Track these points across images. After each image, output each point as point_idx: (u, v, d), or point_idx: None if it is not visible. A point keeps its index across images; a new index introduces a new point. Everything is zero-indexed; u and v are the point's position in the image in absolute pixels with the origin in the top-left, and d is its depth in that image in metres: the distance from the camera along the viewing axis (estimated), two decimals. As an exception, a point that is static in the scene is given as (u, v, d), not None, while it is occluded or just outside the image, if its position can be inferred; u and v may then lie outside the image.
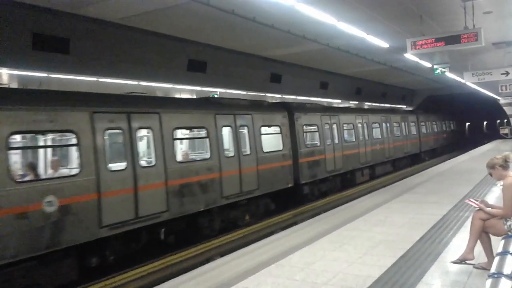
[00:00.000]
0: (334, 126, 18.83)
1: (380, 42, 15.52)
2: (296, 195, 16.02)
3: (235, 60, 18.32)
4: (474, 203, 6.58)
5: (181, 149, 12.33)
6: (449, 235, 8.37)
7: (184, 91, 18.98)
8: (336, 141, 18.66)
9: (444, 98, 40.50)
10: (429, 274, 6.37)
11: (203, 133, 12.15)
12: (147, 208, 9.71)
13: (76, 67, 13.18)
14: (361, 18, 12.72)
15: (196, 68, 16.87)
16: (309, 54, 19.04)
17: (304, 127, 16.58)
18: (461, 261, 6.60)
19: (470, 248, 6.54)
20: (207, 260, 9.63)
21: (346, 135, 20.24)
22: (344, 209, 11.98)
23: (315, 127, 17.56)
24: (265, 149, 13.92)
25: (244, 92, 21.06)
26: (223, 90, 19.80)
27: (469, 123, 58.39)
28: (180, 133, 11.88)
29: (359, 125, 21.44)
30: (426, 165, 27.74)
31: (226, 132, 12.79)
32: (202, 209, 11.19)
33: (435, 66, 19.24)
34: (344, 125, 19.84)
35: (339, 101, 29.74)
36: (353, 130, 20.73)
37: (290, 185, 15.00)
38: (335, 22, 11.73)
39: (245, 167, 12.73)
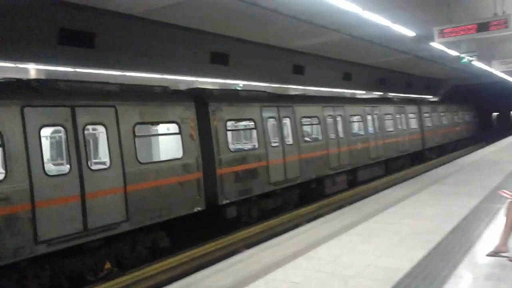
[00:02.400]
0: (287, 120, 14.20)
1: (405, 31, 15.20)
2: (215, 220, 11.73)
3: (258, 52, 18.22)
4: (508, 194, 6.40)
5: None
6: (481, 227, 8.18)
7: (207, 83, 19.00)
8: (290, 140, 14.07)
9: (470, 87, 39.54)
10: (462, 267, 6.23)
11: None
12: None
13: (101, 62, 13.32)
14: (386, 6, 12.46)
15: (219, 60, 16.85)
16: (332, 45, 18.79)
17: (229, 124, 12.21)
18: (495, 253, 6.43)
19: (504, 240, 6.37)
20: (234, 252, 9.61)
21: (307, 133, 16.13)
22: (371, 202, 11.82)
23: (251, 123, 13.00)
24: (142, 158, 9.57)
25: (267, 84, 20.96)
26: (245, 83, 19.74)
27: (497, 113, 56.96)
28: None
29: (329, 118, 16.40)
30: (454, 156, 26.93)
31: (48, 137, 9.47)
32: None
33: (461, 55, 18.70)
34: (304, 119, 15.08)
35: (363, 92, 29.36)
36: (319, 126, 15.78)
37: (197, 209, 10.46)
38: (360, 11, 11.53)
39: (100, 189, 8.46)
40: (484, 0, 12.31)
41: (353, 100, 19.68)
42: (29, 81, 8.40)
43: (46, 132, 8.73)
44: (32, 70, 13.53)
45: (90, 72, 13.69)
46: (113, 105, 8.93)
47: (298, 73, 21.54)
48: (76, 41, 12.21)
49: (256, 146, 12.73)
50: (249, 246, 9.67)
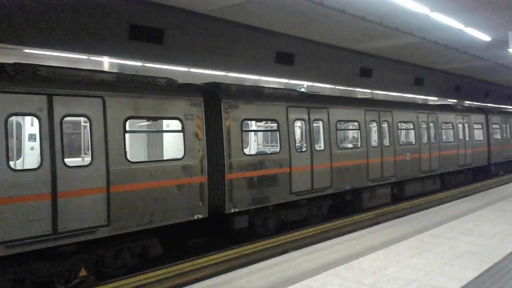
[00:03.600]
0: (320, 123, 12.83)
1: (480, 35, 14.30)
2: (221, 231, 10.76)
3: (323, 53, 17.97)
4: None
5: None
6: (546, 252, 7.51)
7: (272, 83, 19.06)
8: (321, 146, 12.74)
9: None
10: (516, 293, 5.76)
11: None
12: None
13: (169, 57, 13.79)
14: (458, 7, 11.77)
15: (283, 60, 16.83)
16: (403, 48, 18.10)
17: (246, 124, 11.21)
18: (556, 283, 5.88)
19: None
20: (283, 253, 9.50)
21: (344, 139, 14.95)
22: (430, 213, 11.28)
23: (274, 124, 11.93)
24: (133, 156, 8.93)
25: (332, 86, 20.64)
26: (310, 83, 19.56)
27: None
28: None
29: (372, 124, 14.87)
30: None
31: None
32: None
33: (546, 63, 17.28)
34: (340, 123, 13.62)
35: (435, 98, 28.03)
36: (358, 131, 14.21)
37: (199, 217, 9.42)
38: (428, 12, 11.00)
39: (76, 189, 7.64)
40: None
41: (403, 105, 17.62)
42: (3, 65, 7.52)
43: (15, 121, 8.08)
44: (106, 63, 14.34)
45: (158, 68, 14.27)
46: (101, 96, 7.99)
47: (365, 75, 20.98)
48: (146, 37, 12.75)
49: (278, 150, 11.43)
50: (298, 248, 9.51)
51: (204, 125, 9.65)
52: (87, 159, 8.04)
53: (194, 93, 9.73)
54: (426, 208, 12.51)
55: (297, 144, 12.10)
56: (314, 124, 12.51)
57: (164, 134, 9.95)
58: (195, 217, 9.28)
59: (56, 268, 7.59)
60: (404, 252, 7.68)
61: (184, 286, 7.33)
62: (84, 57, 12.39)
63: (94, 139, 7.85)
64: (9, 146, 7.11)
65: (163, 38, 13.12)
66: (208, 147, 9.69)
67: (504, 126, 24.42)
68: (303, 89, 18.78)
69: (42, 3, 10.44)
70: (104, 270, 8.35)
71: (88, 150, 8.02)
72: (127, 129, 8.44)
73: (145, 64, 13.93)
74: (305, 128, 12.28)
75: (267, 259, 7.81)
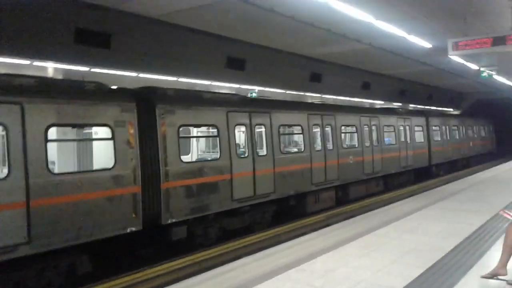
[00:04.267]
0: (262, 128, 12.69)
1: (422, 42, 15.02)
2: (156, 243, 10.23)
3: (275, 58, 18.21)
4: (509, 215, 6.22)
5: None
6: (484, 247, 7.94)
7: (223, 88, 19.08)
8: (264, 151, 12.58)
9: (494, 102, 38.68)
10: (457, 288, 6.07)
11: None
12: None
13: (117, 62, 13.51)
14: (401, 16, 12.34)
15: (235, 65, 16.91)
16: (351, 54, 18.67)
17: (182, 130, 10.55)
18: (493, 276, 6.23)
19: (503, 263, 6.17)
20: (235, 258, 9.50)
21: (284, 143, 14.93)
22: (377, 213, 11.67)
23: (213, 130, 11.45)
24: (57, 167, 8.66)
25: (283, 91, 20.92)
26: (261, 88, 19.75)
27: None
28: None
29: (313, 128, 14.65)
30: (467, 172, 26.08)
31: None
32: None
33: (481, 69, 18.34)
34: (283, 127, 13.61)
35: (382, 102, 29.03)
36: (301, 136, 14.22)
37: (132, 230, 8.94)
38: (373, 20, 11.45)
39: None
40: (502, 13, 12.05)
41: (346, 109, 17.80)
42: None
43: None
44: (50, 68, 13.84)
45: (105, 73, 13.94)
46: (19, 102, 7.41)
47: (315, 80, 21.44)
48: (92, 41, 12.43)
49: (218, 156, 11.10)
50: (251, 253, 9.56)
51: (138, 132, 9.15)
52: (4, 171, 7.41)
53: (126, 98, 9.23)
54: (373, 209, 12.91)
55: (238, 150, 11.83)
56: (256, 129, 12.33)
57: (94, 143, 9.36)
58: (128, 230, 8.78)
59: None
60: (354, 252, 7.90)
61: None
62: (28, 62, 11.92)
63: (11, 149, 7.26)
64: None
65: (111, 42, 12.86)
66: (142, 156, 9.21)
67: (444, 128, 25.39)
68: (254, 94, 18.93)
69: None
70: None
71: (5, 161, 7.39)
72: (49, 138, 7.87)
73: (92, 70, 13.58)
74: (247, 133, 12.00)
75: (220, 265, 7.82)
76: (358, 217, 11.45)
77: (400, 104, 30.44)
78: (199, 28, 14.29)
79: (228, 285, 6.35)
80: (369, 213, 11.91)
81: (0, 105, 7.20)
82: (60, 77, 13.47)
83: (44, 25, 11.31)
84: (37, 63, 12.15)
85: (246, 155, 11.89)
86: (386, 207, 12.71)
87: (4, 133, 7.30)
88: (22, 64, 11.90)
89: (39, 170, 7.50)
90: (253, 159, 11.95)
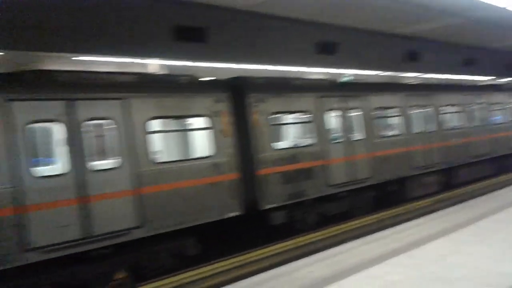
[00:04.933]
0: (356, 112, 12.38)
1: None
2: (257, 227, 10.42)
3: (367, 39, 17.59)
4: None
5: None
6: None
7: (315, 74, 18.91)
8: (359, 135, 12.33)
9: None
10: None
11: None
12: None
13: (213, 55, 13.97)
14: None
15: (325, 50, 16.64)
16: (449, 29, 17.49)
17: (274, 117, 10.61)
18: None
19: None
20: (341, 242, 9.39)
21: (381, 126, 14.04)
22: (490, 199, 10.91)
23: (306, 116, 11.34)
24: (162, 157, 8.86)
25: (377, 73, 20.24)
26: (354, 71, 19.26)
27: None
28: None
29: (410, 109, 14.11)
30: None
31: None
32: None
33: None
34: (378, 110, 13.08)
35: (486, 78, 26.87)
36: (399, 118, 13.68)
37: (234, 214, 9.40)
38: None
39: (105, 192, 7.66)
40: None
41: (447, 87, 16.68)
42: None
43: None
44: (155, 65, 14.69)
45: (202, 66, 14.47)
46: (125, 98, 8.08)
47: (412, 60, 20.38)
48: (190, 37, 12.95)
49: (312, 142, 11.12)
50: (356, 237, 9.35)
51: (232, 121, 9.52)
52: (115, 162, 7.99)
53: (219, 89, 9.64)
54: (485, 193, 12.07)
55: (332, 135, 11.71)
56: (350, 113, 12.12)
57: (192, 133, 9.83)
58: (229, 215, 9.25)
59: (92, 271, 7.70)
60: (467, 238, 7.50)
61: (242, 278, 7.39)
62: (133, 60, 12.74)
63: (121, 142, 7.90)
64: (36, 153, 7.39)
65: (207, 37, 13.30)
66: (238, 144, 9.58)
67: None
68: (347, 78, 18.54)
69: (86, 11, 10.80)
70: (143, 272, 8.37)
71: (117, 152, 8.01)
72: (154, 129, 8.45)
73: (189, 64, 14.13)
74: (341, 118, 11.86)
75: (326, 249, 7.82)
76: (469, 202, 10.81)
77: (510, 79, 27.93)
78: (289, 15, 14.26)
79: (337, 268, 6.34)
80: (480, 197, 11.16)
81: (109, 101, 7.86)
82: (160, 72, 14.27)
83: (147, 25, 12.01)
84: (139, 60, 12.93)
85: (340, 140, 11.78)
86: (500, 191, 11.81)
87: (115, 126, 7.93)
88: (128, 62, 12.81)
89: (146, 159, 8.08)
90: (348, 144, 11.78)
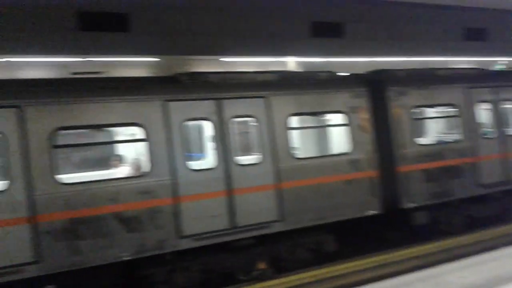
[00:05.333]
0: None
1: None
2: (395, 227, 9.86)
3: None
4: None
5: None
6: None
7: (461, 63, 17.52)
8: None
9: None
10: None
11: None
12: None
13: (350, 49, 13.85)
14: None
15: (474, 36, 15.36)
16: None
17: (417, 111, 9.97)
18: None
19: None
20: (493, 248, 8.61)
21: None
22: None
23: (452, 110, 10.40)
24: (301, 153, 8.85)
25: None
26: (509, 59, 17.40)
27: None
28: None
29: None
30: None
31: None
32: None
33: None
34: None
35: None
36: None
37: (372, 213, 9.08)
38: None
39: (247, 186, 7.95)
40: None
41: None
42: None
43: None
44: (291, 62, 15.08)
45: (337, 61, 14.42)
46: (265, 96, 8.21)
47: None
48: (327, 32, 13.04)
49: (460, 138, 10.24)
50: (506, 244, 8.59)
51: (371, 117, 9.10)
52: (258, 157, 8.13)
53: (357, 83, 9.28)
54: None
55: (483, 130, 10.62)
56: (504, 105, 10.88)
57: (329, 129, 9.54)
58: (368, 213, 8.94)
59: (237, 260, 7.94)
60: None
61: (381, 279, 7.18)
62: (271, 59, 13.22)
63: (261, 138, 8.03)
64: (190, 149, 7.85)
65: (343, 31, 13.25)
66: (377, 140, 9.12)
67: None
68: (501, 67, 16.84)
69: (231, 14, 11.49)
70: (282, 264, 8.43)
71: (258, 148, 8.15)
72: (293, 126, 8.46)
73: (325, 59, 14.19)
74: (493, 111, 10.69)
75: (476, 254, 7.25)
76: None
77: None
78: (433, 2, 13.47)
79: (490, 275, 5.85)
80: None
81: (252, 99, 8.10)
82: (299, 69, 14.53)
83: (283, 24, 12.40)
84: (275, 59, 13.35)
85: (493, 135, 10.63)
86: None
87: (257, 123, 8.07)
88: (265, 61, 13.32)
89: (286, 155, 8.16)
90: (502, 139, 10.65)
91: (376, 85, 9.40)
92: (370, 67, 11.41)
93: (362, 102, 9.09)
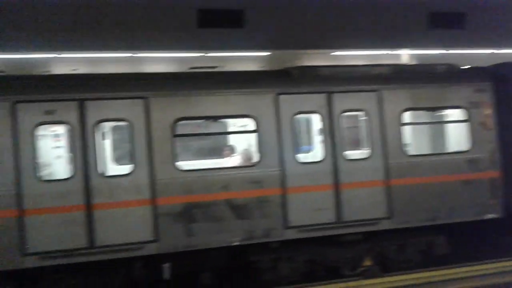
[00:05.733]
0: None
1: None
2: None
3: None
4: None
5: None
6: None
7: None
8: None
9: None
10: None
11: None
12: None
13: (472, 41, 12.87)
14: None
15: None
16: None
17: None
18: None
19: None
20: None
21: None
22: None
23: None
24: (414, 150, 8.62)
25: None
26: None
27: None
28: None
29: None
30: None
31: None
32: None
33: None
34: None
35: None
36: None
37: (492, 216, 8.39)
38: None
39: (355, 181, 7.86)
40: None
41: None
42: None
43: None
44: (405, 55, 14.44)
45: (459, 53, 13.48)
46: (377, 89, 8.14)
47: None
48: (447, 23, 12.23)
49: None
50: None
51: (494, 112, 8.58)
52: (367, 152, 8.11)
53: (480, 77, 8.76)
54: None
55: None
56: None
57: (447, 125, 9.15)
58: (486, 217, 8.39)
59: (343, 255, 8.00)
60: None
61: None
62: (384, 52, 12.78)
63: (371, 133, 7.99)
64: (298, 141, 7.95)
65: (465, 22, 12.33)
66: (501, 138, 8.56)
67: None
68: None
69: (352, 4, 11.25)
70: (388, 263, 8.33)
71: (367, 143, 8.11)
72: (406, 121, 8.28)
73: (448, 52, 13.33)
74: None
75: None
76: None
77: None
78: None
79: None
80: None
81: (363, 93, 8.03)
82: (413, 62, 13.86)
83: (397, 16, 11.86)
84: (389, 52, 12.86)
85: None
86: None
87: (367, 117, 8.04)
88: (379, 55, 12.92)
89: (397, 151, 8.02)
90: None
91: (500, 79, 8.80)
92: (493, 60, 10.55)
93: (484, 97, 8.58)
